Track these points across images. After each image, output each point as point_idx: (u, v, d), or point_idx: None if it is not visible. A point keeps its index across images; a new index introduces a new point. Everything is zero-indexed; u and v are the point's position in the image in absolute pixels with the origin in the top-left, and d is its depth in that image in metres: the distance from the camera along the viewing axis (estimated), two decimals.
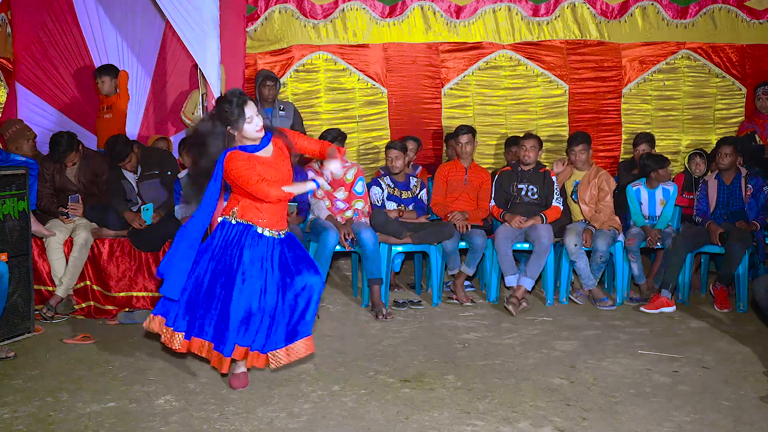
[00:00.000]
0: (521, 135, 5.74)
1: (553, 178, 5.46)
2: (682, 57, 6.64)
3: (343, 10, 6.46)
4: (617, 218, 5.42)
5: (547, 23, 6.57)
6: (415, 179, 5.63)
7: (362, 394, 3.52)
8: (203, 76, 4.90)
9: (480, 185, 5.57)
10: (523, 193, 5.42)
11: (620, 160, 6.50)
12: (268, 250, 3.51)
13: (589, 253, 5.26)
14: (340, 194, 5.33)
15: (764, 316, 4.47)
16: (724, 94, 6.70)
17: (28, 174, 4.57)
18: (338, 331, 4.63)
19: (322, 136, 5.27)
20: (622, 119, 6.66)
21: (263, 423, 3.20)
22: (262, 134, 3.43)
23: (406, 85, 6.59)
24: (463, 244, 5.34)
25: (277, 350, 3.50)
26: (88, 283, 5.05)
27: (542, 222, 5.26)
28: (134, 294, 5.07)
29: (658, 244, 5.39)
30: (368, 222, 5.23)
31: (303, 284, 3.51)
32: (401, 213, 5.42)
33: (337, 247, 5.07)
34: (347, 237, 5.07)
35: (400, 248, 5.32)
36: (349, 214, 5.29)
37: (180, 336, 3.50)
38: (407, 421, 3.22)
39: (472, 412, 3.31)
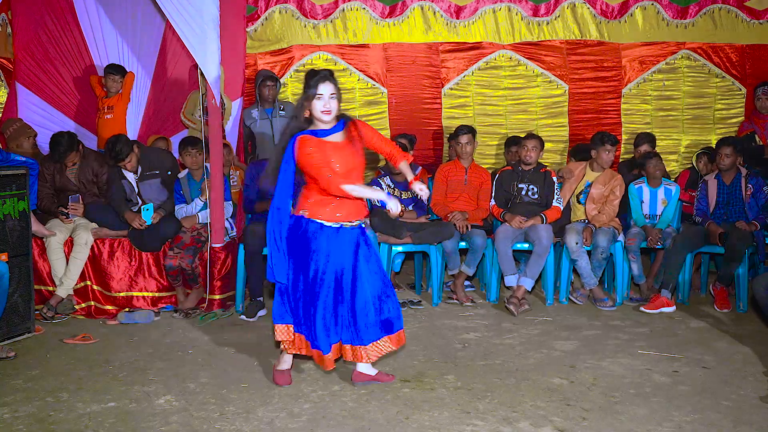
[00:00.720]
0: (521, 135, 5.75)
1: (554, 178, 5.47)
2: (682, 57, 6.64)
3: (343, 10, 6.46)
4: (617, 219, 5.43)
5: (547, 23, 6.56)
6: None
7: (362, 394, 3.52)
8: (203, 76, 4.90)
9: (480, 185, 5.58)
10: (523, 192, 5.43)
11: (620, 160, 6.50)
12: (350, 242, 3.55)
13: (589, 253, 5.27)
14: None
15: (764, 315, 4.47)
16: (724, 94, 6.69)
17: (29, 174, 4.57)
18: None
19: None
20: (622, 119, 6.66)
21: (263, 423, 3.20)
22: (328, 117, 3.43)
23: (406, 85, 6.58)
24: (463, 244, 5.34)
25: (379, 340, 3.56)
26: (89, 283, 5.05)
27: (542, 222, 5.26)
28: (134, 294, 5.08)
29: (659, 244, 5.39)
30: (368, 222, 5.23)
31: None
32: (401, 213, 5.40)
33: None
34: None
35: (400, 248, 5.32)
36: None
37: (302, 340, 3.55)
38: (407, 421, 3.22)
39: (472, 412, 3.31)
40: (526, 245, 5.34)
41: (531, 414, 3.30)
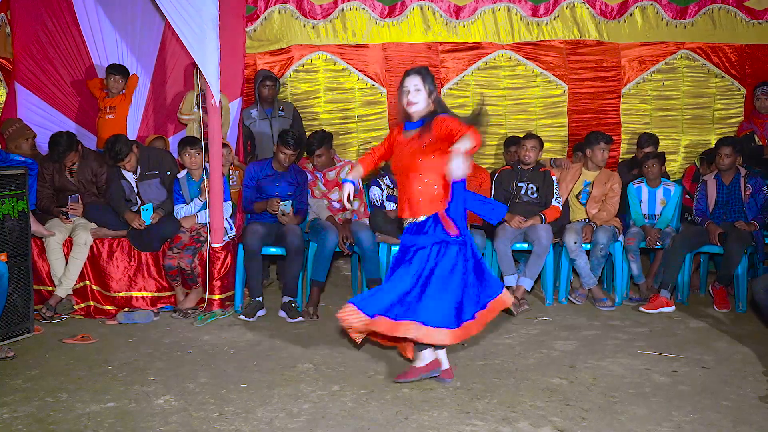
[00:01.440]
0: (521, 135, 5.75)
1: (554, 177, 5.47)
2: (681, 57, 6.64)
3: (343, 10, 6.46)
4: (618, 219, 5.44)
5: (547, 23, 6.56)
6: None
7: (362, 394, 3.52)
8: (201, 75, 4.90)
9: (479, 185, 5.57)
10: (522, 191, 5.43)
11: (620, 160, 6.50)
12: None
13: (588, 252, 5.26)
14: (335, 195, 5.33)
15: (764, 316, 4.47)
16: (723, 94, 6.69)
17: (28, 174, 4.57)
18: (338, 330, 4.63)
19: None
20: (622, 119, 6.65)
21: (263, 423, 3.20)
22: (410, 110, 3.51)
23: None
24: None
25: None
26: (88, 283, 5.05)
27: (541, 222, 5.26)
28: (134, 294, 5.08)
29: (658, 243, 5.39)
30: (367, 222, 5.23)
31: None
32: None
33: (337, 248, 5.07)
34: (346, 241, 5.07)
35: None
36: (347, 215, 5.29)
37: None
38: (406, 421, 3.22)
39: (471, 412, 3.31)
40: (526, 245, 5.33)
41: (530, 414, 3.30)
